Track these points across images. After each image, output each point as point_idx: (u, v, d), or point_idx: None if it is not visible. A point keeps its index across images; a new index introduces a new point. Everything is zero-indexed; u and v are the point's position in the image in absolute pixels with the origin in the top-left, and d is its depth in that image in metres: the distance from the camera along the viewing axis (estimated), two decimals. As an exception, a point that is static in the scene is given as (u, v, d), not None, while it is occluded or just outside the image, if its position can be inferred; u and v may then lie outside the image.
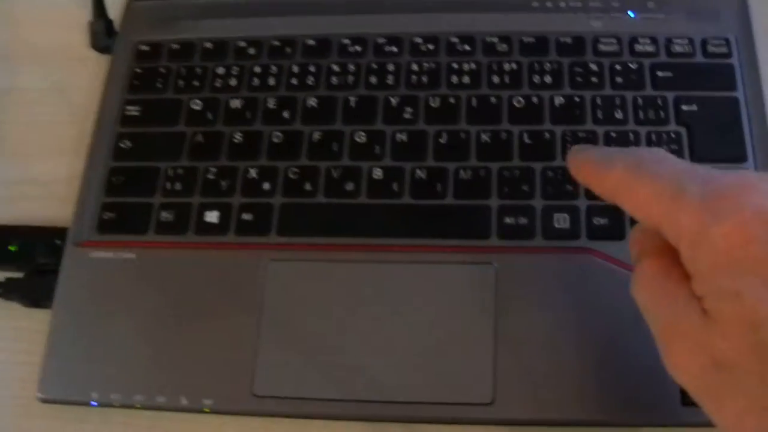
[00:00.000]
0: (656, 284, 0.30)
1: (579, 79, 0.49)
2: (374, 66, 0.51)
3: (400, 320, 0.44)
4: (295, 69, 0.52)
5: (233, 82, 0.52)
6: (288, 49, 0.53)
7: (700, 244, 0.27)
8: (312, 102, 0.50)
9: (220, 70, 0.52)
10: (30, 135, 0.55)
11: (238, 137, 0.50)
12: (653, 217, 0.30)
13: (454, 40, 0.52)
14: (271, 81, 0.52)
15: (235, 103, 0.51)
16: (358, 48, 0.52)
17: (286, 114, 0.50)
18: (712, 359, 0.27)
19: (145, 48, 0.54)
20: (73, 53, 0.58)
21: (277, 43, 0.53)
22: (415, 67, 0.51)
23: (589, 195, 0.45)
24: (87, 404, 0.44)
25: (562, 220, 0.45)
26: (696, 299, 0.28)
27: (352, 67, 0.51)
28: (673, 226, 0.29)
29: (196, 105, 0.51)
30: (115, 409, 0.44)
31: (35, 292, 0.48)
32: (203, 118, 0.51)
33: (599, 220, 0.45)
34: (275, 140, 0.49)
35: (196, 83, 0.52)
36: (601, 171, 0.33)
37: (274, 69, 0.52)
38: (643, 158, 0.31)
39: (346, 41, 0.52)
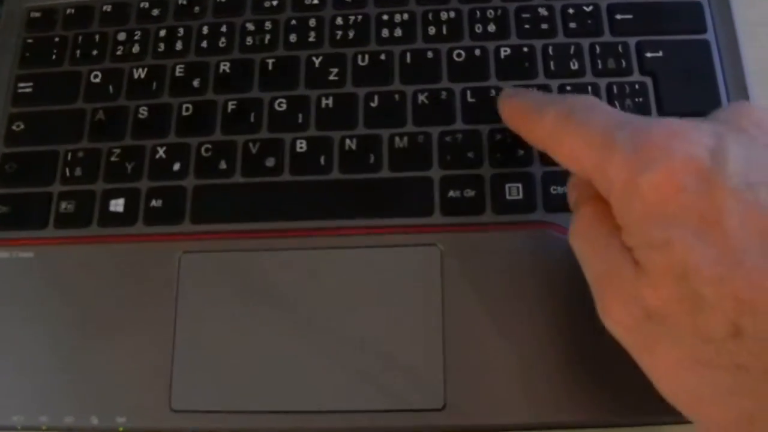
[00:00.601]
0: (592, 232, 0.30)
1: (527, 26, 0.42)
2: (293, 22, 0.44)
3: (334, 316, 0.37)
4: (205, 30, 0.44)
5: (136, 48, 0.44)
6: (196, 8, 0.45)
7: (629, 194, 0.27)
8: (225, 67, 0.43)
9: (121, 36, 0.45)
10: None
11: (143, 112, 0.43)
12: (584, 168, 0.29)
13: (384, -13, 0.44)
14: (179, 45, 0.44)
15: (139, 73, 0.44)
16: (274, 2, 0.45)
17: (195, 82, 0.43)
18: (644, 311, 0.26)
19: (36, 14, 0.47)
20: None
21: (183, 1, 0.45)
22: (339, 20, 0.43)
23: (546, 160, 0.39)
24: (-15, 428, 0.38)
25: (514, 191, 0.39)
26: (628, 250, 0.27)
27: (268, 25, 0.44)
28: (604, 177, 0.28)
29: (96, 77, 0.44)
30: (17, 433, 0.39)
31: None
32: (104, 92, 0.44)
33: (557, 189, 0.38)
34: (185, 113, 0.42)
35: (94, 53, 0.45)
36: (532, 119, 0.32)
37: (181, 31, 0.44)
38: (574, 106, 0.30)
39: (262, -5, 0.45)
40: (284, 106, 0.41)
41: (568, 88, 0.40)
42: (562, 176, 0.38)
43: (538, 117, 0.31)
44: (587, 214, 0.30)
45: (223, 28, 0.44)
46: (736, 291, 0.24)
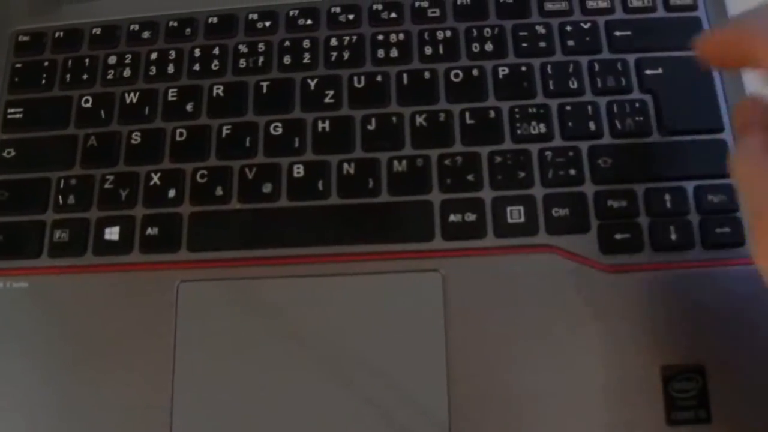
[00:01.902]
0: (757, 160, 0.27)
1: (524, 44, 0.40)
2: (287, 43, 0.42)
3: (334, 345, 0.36)
4: (197, 53, 0.42)
5: (127, 72, 0.43)
6: (187, 30, 0.43)
7: None
8: (218, 90, 0.41)
9: (112, 60, 0.43)
10: None
11: (136, 137, 0.41)
12: None
13: (378, 6, 0.42)
14: (171, 68, 0.42)
15: (131, 98, 0.42)
16: (267, 23, 0.43)
17: (189, 106, 0.41)
18: None
19: (24, 38, 0.45)
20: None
21: (174, 23, 0.43)
22: (334, 41, 0.42)
23: (546, 182, 0.37)
24: (-21, 465, 0.36)
25: (516, 214, 0.37)
26: None
27: (261, 47, 0.42)
28: None
29: (87, 102, 0.42)
30: (12, 471, 0.37)
31: None
32: (96, 117, 0.42)
33: (559, 211, 0.37)
34: (179, 138, 0.41)
35: (85, 76, 0.43)
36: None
37: (172, 54, 0.43)
38: None
39: (254, 16, 0.43)
40: (280, 130, 0.40)
41: (568, 108, 0.38)
42: (563, 198, 0.37)
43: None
44: (755, 144, 0.28)
45: (216, 51, 0.42)
46: None
